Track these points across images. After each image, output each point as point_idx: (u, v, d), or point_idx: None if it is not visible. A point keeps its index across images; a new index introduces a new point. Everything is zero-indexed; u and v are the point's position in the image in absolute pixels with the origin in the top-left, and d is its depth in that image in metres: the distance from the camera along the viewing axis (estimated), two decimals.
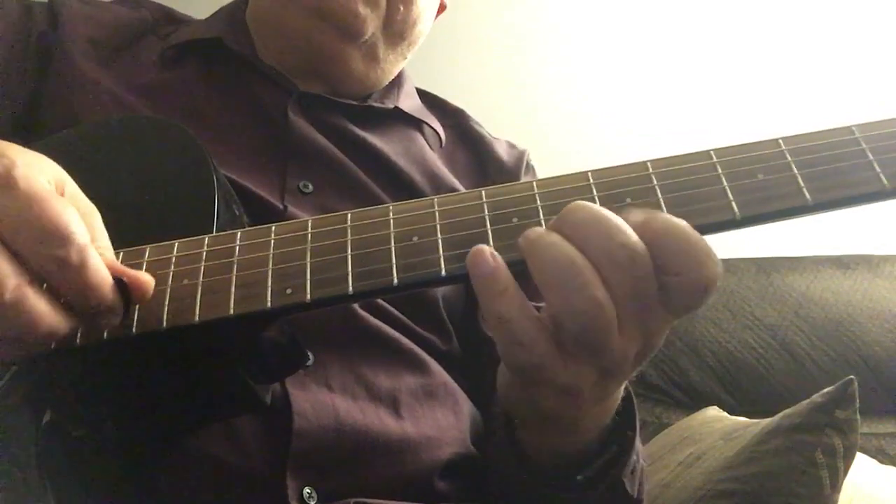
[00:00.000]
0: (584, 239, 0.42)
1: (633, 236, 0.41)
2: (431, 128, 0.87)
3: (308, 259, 0.47)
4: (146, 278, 0.47)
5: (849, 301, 1.58)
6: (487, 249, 0.43)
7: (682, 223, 0.42)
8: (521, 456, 0.58)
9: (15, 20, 0.78)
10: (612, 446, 0.58)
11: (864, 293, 1.59)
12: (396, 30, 0.80)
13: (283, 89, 0.78)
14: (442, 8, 0.89)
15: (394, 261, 0.46)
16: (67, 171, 0.48)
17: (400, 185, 0.77)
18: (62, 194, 0.46)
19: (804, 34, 1.82)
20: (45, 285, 0.42)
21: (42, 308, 0.42)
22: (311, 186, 0.73)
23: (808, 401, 1.01)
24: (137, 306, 0.47)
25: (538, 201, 0.46)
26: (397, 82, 0.88)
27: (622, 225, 0.42)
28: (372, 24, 0.77)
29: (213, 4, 0.89)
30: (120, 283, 0.45)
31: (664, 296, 0.43)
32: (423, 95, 0.92)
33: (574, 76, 1.85)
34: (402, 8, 0.78)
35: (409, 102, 0.87)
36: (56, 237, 0.41)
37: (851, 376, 1.00)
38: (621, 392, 0.54)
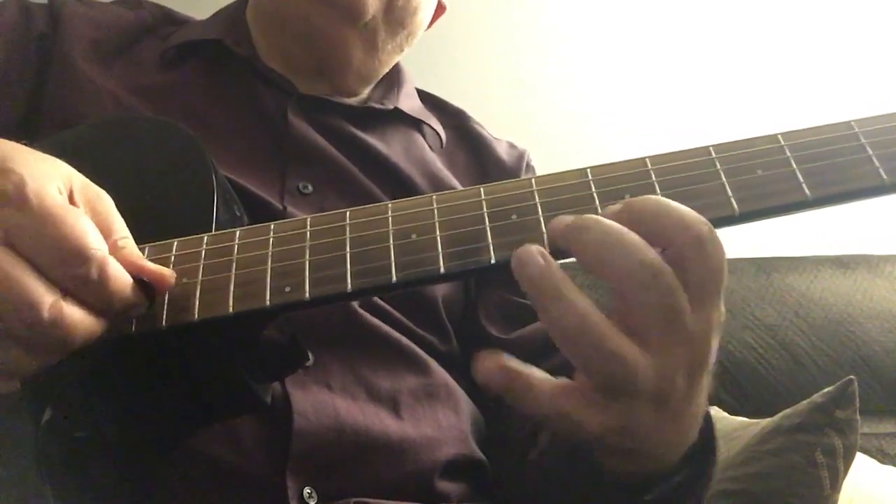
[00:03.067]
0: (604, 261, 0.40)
1: (651, 252, 0.39)
2: (432, 128, 0.87)
3: (307, 257, 0.47)
4: (167, 273, 0.47)
5: (849, 301, 1.57)
6: (535, 248, 0.40)
7: (653, 198, 0.41)
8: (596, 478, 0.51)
9: (15, 22, 0.78)
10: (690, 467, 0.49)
11: (864, 293, 1.59)
12: (397, 16, 0.80)
13: (283, 91, 0.78)
14: (441, 10, 0.89)
15: (392, 258, 0.46)
16: None
17: (400, 186, 0.77)
18: (71, 194, 0.46)
19: (803, 32, 1.82)
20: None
21: (78, 318, 0.43)
22: (310, 187, 0.73)
23: (808, 401, 1.01)
24: None
25: (537, 198, 0.46)
26: (397, 82, 0.88)
27: (638, 241, 0.39)
28: (374, 5, 0.77)
29: (213, 4, 0.89)
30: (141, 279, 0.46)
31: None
32: (424, 96, 0.92)
33: (574, 76, 1.86)
34: None
35: (408, 103, 0.87)
36: (74, 257, 0.42)
37: (851, 376, 1.00)
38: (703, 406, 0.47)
